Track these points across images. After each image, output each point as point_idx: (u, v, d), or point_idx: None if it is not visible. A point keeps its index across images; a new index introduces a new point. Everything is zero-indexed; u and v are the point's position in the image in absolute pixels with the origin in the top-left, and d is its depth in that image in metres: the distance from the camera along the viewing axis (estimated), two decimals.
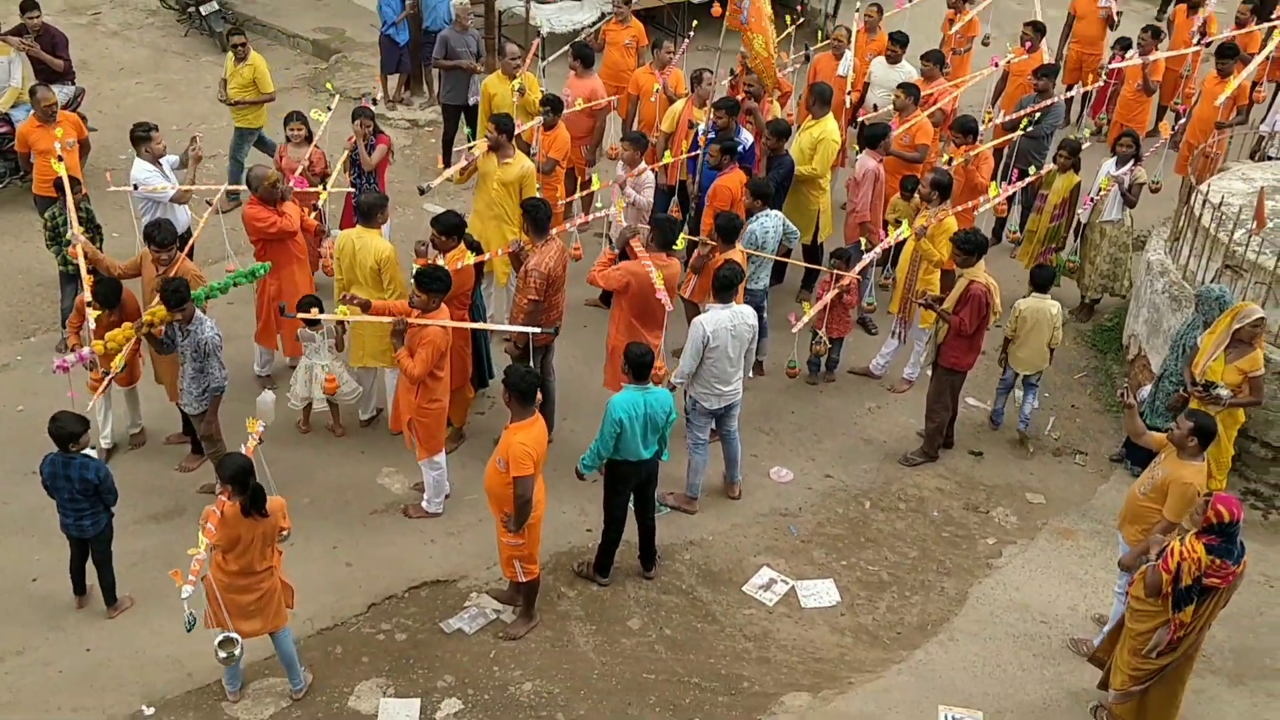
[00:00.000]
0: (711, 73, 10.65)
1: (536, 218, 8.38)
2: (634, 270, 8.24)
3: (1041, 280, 9.27)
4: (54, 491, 7.15)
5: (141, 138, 9.44)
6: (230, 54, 11.34)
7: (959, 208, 9.58)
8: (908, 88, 10.75)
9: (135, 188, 9.35)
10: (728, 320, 8.06)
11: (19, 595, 7.63)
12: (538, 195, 9.62)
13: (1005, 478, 9.26)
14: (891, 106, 10.91)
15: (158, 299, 7.72)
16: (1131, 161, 10.12)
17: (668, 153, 10.16)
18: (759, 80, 10.72)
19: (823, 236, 10.64)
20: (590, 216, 9.51)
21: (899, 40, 11.59)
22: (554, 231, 8.57)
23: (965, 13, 13.07)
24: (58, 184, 8.93)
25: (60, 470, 7.05)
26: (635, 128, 11.28)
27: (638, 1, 13.21)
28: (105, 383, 7.88)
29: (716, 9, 12.27)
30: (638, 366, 7.39)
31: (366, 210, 8.52)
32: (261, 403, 8.43)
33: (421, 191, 9.98)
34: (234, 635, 6.56)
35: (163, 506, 8.36)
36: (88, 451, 7.16)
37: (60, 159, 8.87)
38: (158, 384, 8.63)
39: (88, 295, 7.96)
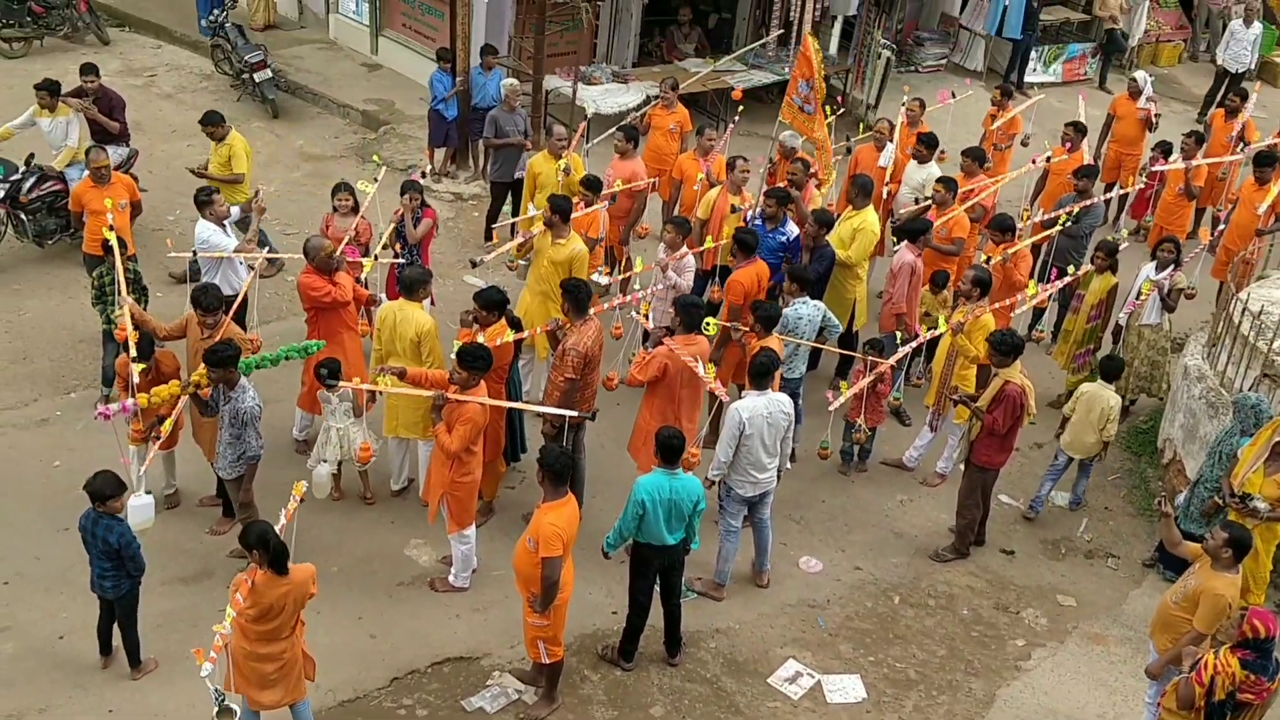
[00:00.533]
0: (745, 159, 10.79)
1: (577, 298, 8.46)
2: (668, 356, 8.29)
3: (1109, 371, 9.33)
4: (87, 547, 7.19)
5: (204, 201, 9.69)
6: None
7: (996, 305, 9.60)
8: (946, 181, 10.83)
9: (194, 253, 9.59)
10: (764, 407, 8.06)
11: (45, 652, 7.64)
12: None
13: (1036, 578, 9.16)
14: (930, 202, 10.98)
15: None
16: (1171, 267, 10.13)
17: (708, 238, 10.26)
18: (802, 168, 10.85)
19: (858, 325, 10.67)
20: (629, 297, 9.58)
21: (927, 142, 11.62)
22: (592, 312, 8.64)
23: (1007, 110, 13.21)
24: (105, 245, 9.11)
25: (89, 526, 7.11)
26: (676, 212, 11.38)
27: (683, 87, 13.43)
28: (152, 447, 7.96)
29: (737, 93, 12.51)
30: (666, 450, 7.38)
31: (409, 284, 8.62)
32: (317, 475, 8.49)
33: (474, 264, 10.11)
34: (233, 706, 6.47)
35: (192, 569, 8.38)
36: (137, 501, 7.33)
37: (111, 227, 9.07)
38: (195, 443, 8.68)
39: (133, 352, 8.07)
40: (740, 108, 12.27)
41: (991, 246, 10.41)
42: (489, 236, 12.19)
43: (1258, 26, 17.51)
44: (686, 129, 12.43)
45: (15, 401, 9.82)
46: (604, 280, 10.00)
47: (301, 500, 6.92)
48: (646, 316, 9.20)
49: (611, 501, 9.07)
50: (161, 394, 7.87)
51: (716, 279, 10.20)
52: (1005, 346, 8.60)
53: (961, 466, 9.24)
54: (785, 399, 8.27)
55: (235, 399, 7.71)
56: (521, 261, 10.20)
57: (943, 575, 9.07)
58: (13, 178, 11.31)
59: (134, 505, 7.62)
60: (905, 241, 10.26)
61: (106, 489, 6.99)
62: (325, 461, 8.72)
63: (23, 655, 7.64)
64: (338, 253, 9.05)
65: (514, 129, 12.35)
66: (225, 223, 9.75)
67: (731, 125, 12.37)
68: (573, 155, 11.28)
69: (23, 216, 11.42)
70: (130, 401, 7.79)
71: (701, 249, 10.17)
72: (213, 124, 11.30)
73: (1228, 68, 17.51)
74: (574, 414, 8.14)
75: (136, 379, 8.00)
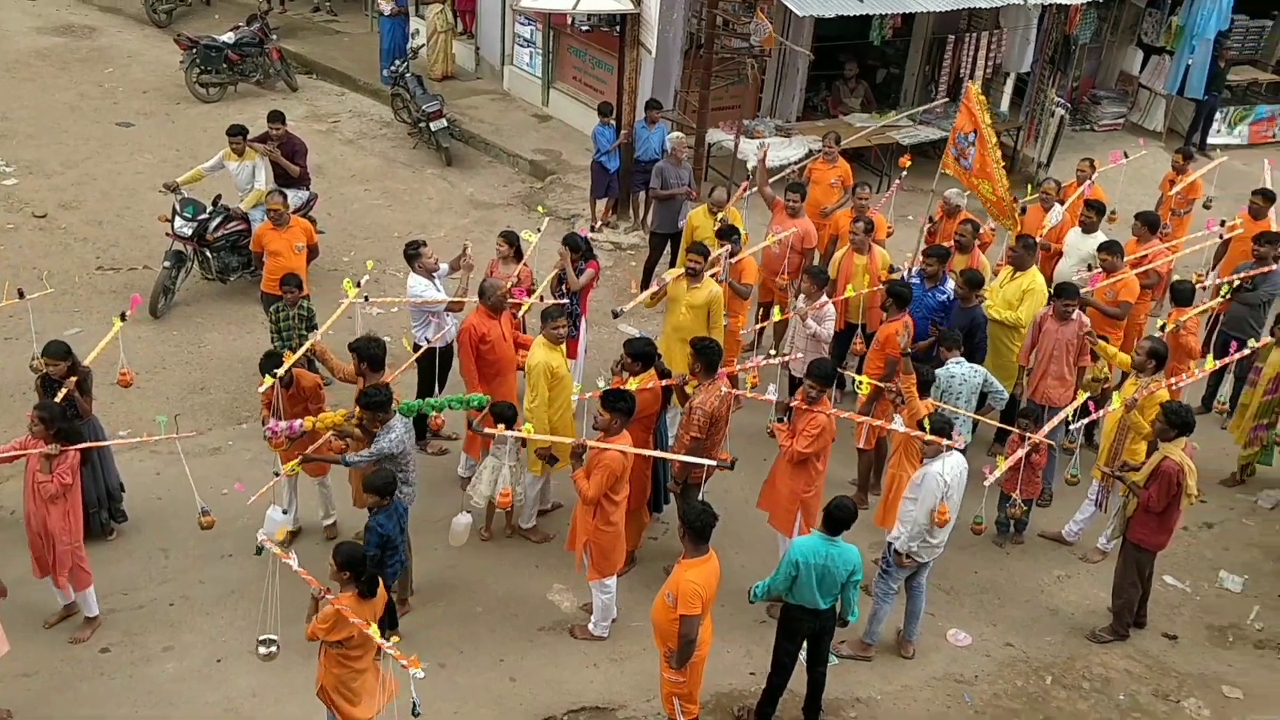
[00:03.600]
0: (870, 218, 10.70)
1: (709, 358, 8.44)
2: (824, 425, 8.21)
3: None
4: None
5: (413, 255, 9.87)
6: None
7: (1172, 381, 9.15)
8: (1110, 246, 10.40)
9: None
10: (956, 467, 7.89)
11: (203, 675, 7.96)
12: (724, 322, 9.85)
13: (1200, 667, 8.67)
14: (1088, 271, 10.62)
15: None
16: None
17: (849, 288, 10.17)
18: (971, 230, 10.66)
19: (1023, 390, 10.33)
20: (762, 361, 9.44)
21: (1096, 208, 11.18)
22: (723, 371, 8.61)
23: (1188, 174, 12.71)
24: (283, 282, 9.53)
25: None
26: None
27: (846, 142, 13.37)
28: (269, 485, 8.23)
29: (905, 160, 12.30)
30: (834, 522, 7.25)
31: (548, 315, 8.83)
32: (456, 524, 8.64)
33: (615, 315, 10.23)
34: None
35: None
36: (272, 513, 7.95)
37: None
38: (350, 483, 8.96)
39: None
40: (908, 162, 12.12)
41: (1171, 315, 9.98)
42: (646, 286, 12.30)
43: None
44: (848, 183, 12.34)
45: (191, 430, 10.32)
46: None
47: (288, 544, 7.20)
48: (753, 387, 8.86)
49: (755, 558, 9.02)
50: (327, 420, 8.17)
51: (859, 334, 10.11)
52: (1176, 419, 8.22)
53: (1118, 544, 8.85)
54: (964, 460, 8.08)
55: (379, 438, 7.93)
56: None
57: (1099, 657, 8.67)
58: (200, 217, 11.97)
59: (269, 516, 8.24)
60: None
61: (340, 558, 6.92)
62: (470, 509, 8.86)
63: (183, 676, 7.98)
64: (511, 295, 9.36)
65: (678, 181, 12.50)
66: (435, 276, 9.97)
67: (898, 182, 12.23)
68: (732, 210, 11.32)
69: (208, 254, 12.08)
70: (298, 423, 8.12)
71: (840, 297, 10.13)
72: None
73: None
74: (713, 463, 8.11)
75: (279, 400, 8.37)
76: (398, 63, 16.63)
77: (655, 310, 10.79)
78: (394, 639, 6.74)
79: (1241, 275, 10.64)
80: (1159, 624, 8.98)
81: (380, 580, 6.86)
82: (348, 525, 9.21)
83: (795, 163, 13.88)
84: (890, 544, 8.14)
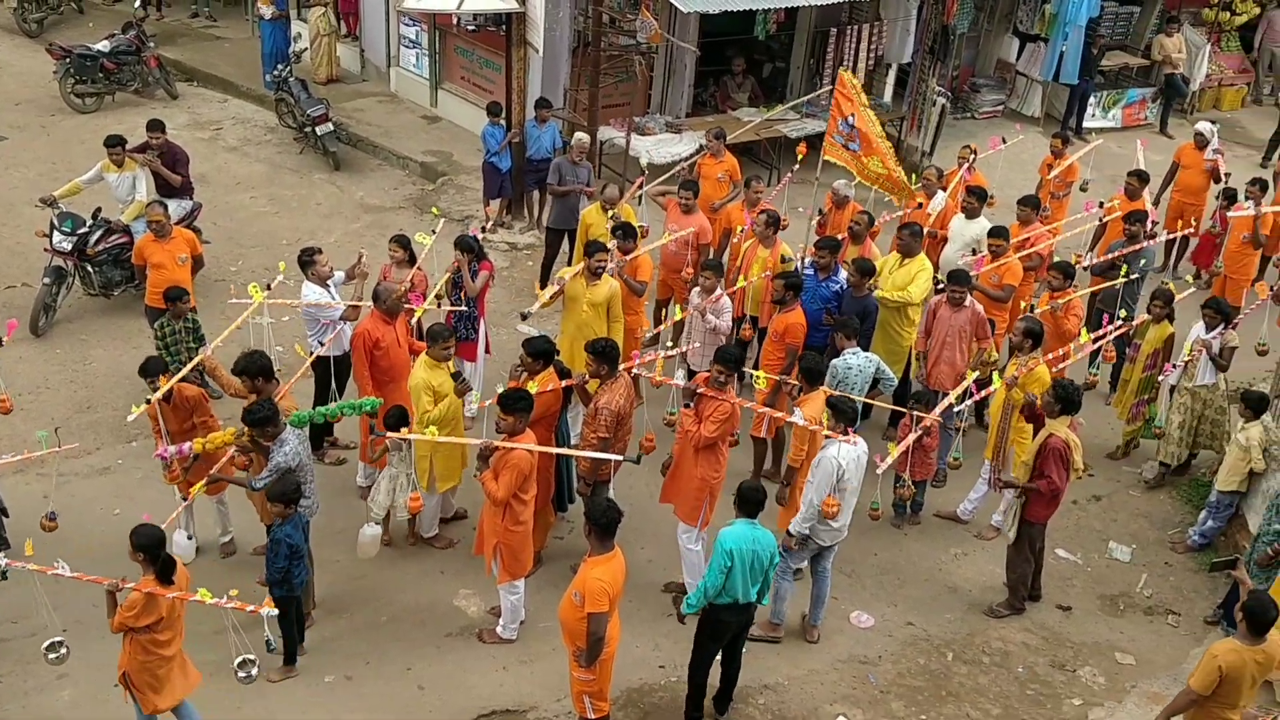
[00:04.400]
0: (759, 179, 10.98)
1: (609, 358, 8.47)
2: (730, 410, 8.28)
3: (1250, 400, 9.38)
4: None
5: (307, 262, 9.70)
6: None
7: (1049, 356, 9.46)
8: (999, 231, 10.70)
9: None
10: (856, 452, 8.06)
11: (100, 700, 7.74)
12: (622, 321, 9.91)
13: (1094, 635, 8.97)
14: (973, 255, 10.90)
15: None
16: (1222, 326, 9.90)
17: (740, 279, 10.30)
18: (866, 220, 10.84)
19: (914, 373, 10.57)
20: (662, 354, 9.47)
21: (977, 194, 11.45)
22: (623, 368, 8.66)
23: (1065, 157, 13.10)
24: (168, 296, 9.30)
25: None
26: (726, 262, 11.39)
27: (733, 136, 13.51)
28: (176, 512, 8.09)
29: (802, 149, 12.50)
30: (750, 502, 7.32)
31: (434, 337, 8.69)
32: (364, 535, 8.55)
33: (524, 318, 10.19)
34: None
35: (241, 618, 8.41)
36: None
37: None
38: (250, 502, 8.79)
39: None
40: (800, 155, 12.27)
41: (1045, 297, 10.30)
42: (546, 285, 12.28)
43: None
44: (736, 178, 12.47)
45: (78, 450, 10.02)
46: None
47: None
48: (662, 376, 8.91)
49: (661, 553, 9.08)
50: (216, 440, 8.01)
51: (747, 320, 10.24)
52: (1064, 397, 8.47)
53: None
54: (864, 445, 8.26)
55: (273, 453, 7.81)
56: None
57: (997, 631, 8.91)
58: (80, 231, 11.62)
59: (175, 541, 8.12)
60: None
61: (143, 542, 6.95)
62: (374, 522, 8.77)
63: (80, 702, 7.78)
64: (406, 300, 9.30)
65: (575, 179, 12.50)
66: (330, 283, 9.79)
67: (789, 174, 12.38)
68: (625, 206, 11.36)
69: (89, 268, 11.73)
70: (187, 446, 7.94)
71: (735, 288, 10.25)
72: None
73: None
74: (619, 458, 8.15)
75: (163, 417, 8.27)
76: (280, 67, 16.32)
77: (556, 308, 10.74)
78: (232, 591, 6.89)
79: (1115, 255, 11.02)
80: (1053, 596, 9.26)
81: (177, 563, 6.86)
82: (244, 541, 9.07)
83: (686, 159, 13.97)
84: (788, 531, 8.28)
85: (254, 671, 7.15)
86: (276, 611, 6.98)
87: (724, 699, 7.93)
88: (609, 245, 10.16)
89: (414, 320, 9.74)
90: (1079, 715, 8.21)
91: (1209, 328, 9.99)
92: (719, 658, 7.77)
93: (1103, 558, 9.75)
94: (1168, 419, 10.29)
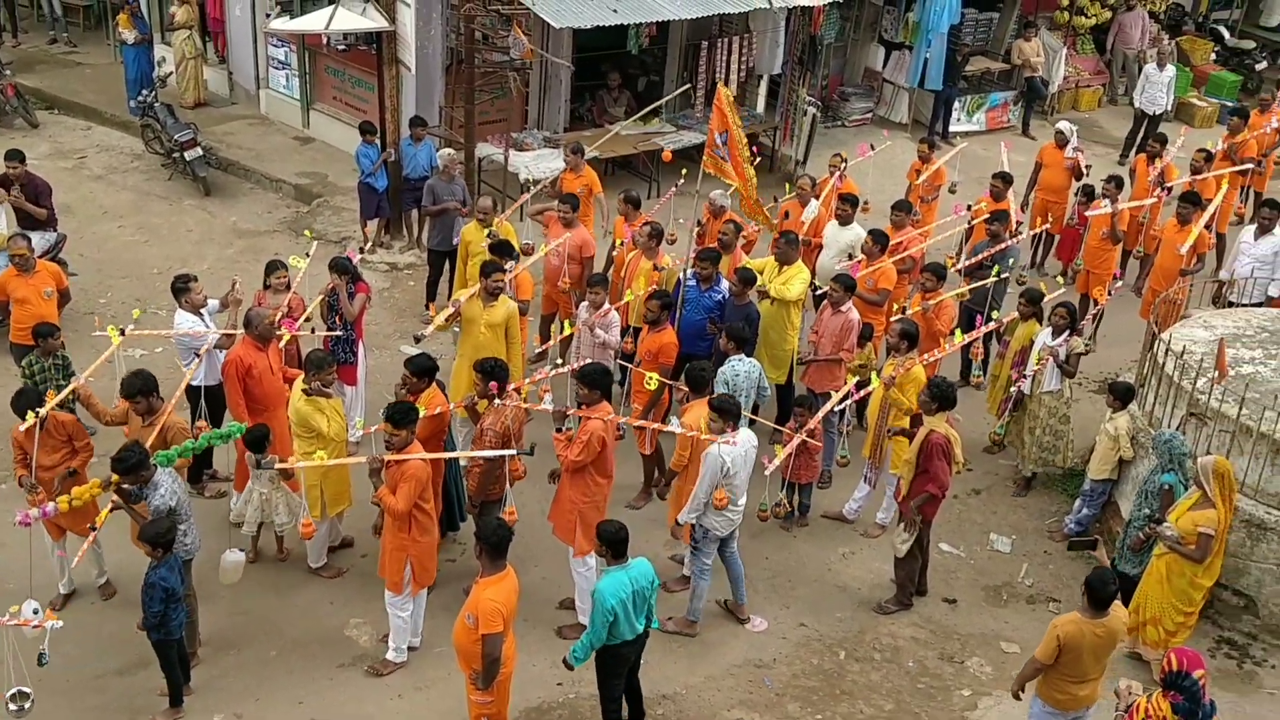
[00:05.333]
0: (658, 224, 10.94)
1: (499, 378, 8.42)
2: (604, 430, 8.22)
3: (1118, 391, 9.67)
4: None
5: (181, 289, 9.47)
6: None
7: (925, 357, 9.72)
8: (876, 235, 10.98)
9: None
10: (742, 446, 8.19)
11: None
12: (519, 342, 9.89)
13: (980, 626, 9.21)
14: (849, 260, 11.16)
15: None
16: (1067, 332, 10.14)
17: (627, 293, 10.37)
18: (733, 229, 10.99)
19: (798, 377, 10.75)
20: (552, 372, 9.49)
21: (849, 201, 11.70)
22: (511, 388, 8.64)
23: (932, 162, 13.46)
24: (36, 332, 9.00)
25: None
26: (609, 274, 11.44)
27: (607, 151, 13.56)
28: (84, 548, 7.82)
29: (667, 155, 12.67)
30: (617, 544, 7.27)
31: (316, 364, 8.53)
32: (226, 561, 8.28)
33: (417, 340, 10.06)
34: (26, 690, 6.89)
35: (126, 660, 8.21)
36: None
37: None
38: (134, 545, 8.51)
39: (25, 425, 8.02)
40: (684, 170, 12.36)
41: (916, 298, 10.56)
42: (429, 305, 12.19)
43: (1171, 69, 18.03)
44: (595, 191, 12.53)
45: None
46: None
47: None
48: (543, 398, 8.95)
49: (553, 570, 9.06)
50: (83, 494, 7.72)
51: (629, 334, 10.36)
52: (939, 393, 8.69)
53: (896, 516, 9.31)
54: (751, 434, 8.40)
55: (149, 497, 7.60)
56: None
57: (887, 628, 9.10)
58: None
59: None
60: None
61: None
62: (241, 549, 8.54)
63: None
64: (279, 325, 9.11)
65: (450, 196, 12.40)
66: (204, 311, 9.56)
67: (675, 187, 12.48)
68: (503, 224, 11.33)
69: None
70: (50, 506, 7.61)
71: (621, 302, 10.34)
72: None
73: (1145, 110, 18.00)
74: (513, 452, 8.14)
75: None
76: (145, 92, 15.92)
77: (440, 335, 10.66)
78: (12, 609, 6.73)
79: (982, 255, 11.36)
80: (939, 589, 9.49)
81: None
82: (120, 581, 8.78)
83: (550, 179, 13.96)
84: (699, 525, 8.39)
85: (27, 705, 6.88)
86: (59, 624, 6.80)
87: (636, 716, 7.93)
88: (505, 266, 10.06)
89: (284, 345, 9.56)
90: (969, 705, 8.42)
91: (1056, 332, 10.19)
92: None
93: (985, 550, 10.02)
94: (1025, 427, 10.52)
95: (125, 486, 7.62)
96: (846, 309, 10.06)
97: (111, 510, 7.79)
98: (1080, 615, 7.11)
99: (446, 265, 12.58)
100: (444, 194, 12.38)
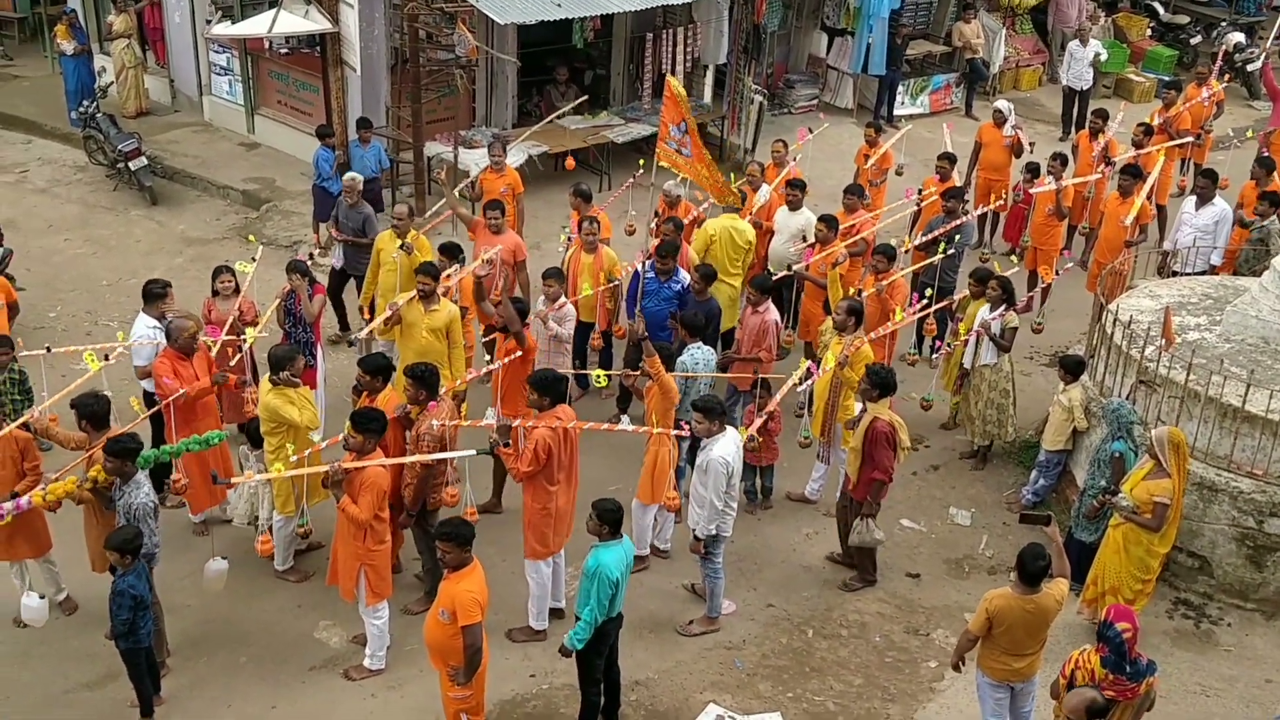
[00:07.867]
0: (595, 221, 10.96)
1: (429, 383, 8.36)
2: (551, 438, 8.07)
3: (1068, 365, 9.84)
4: None
5: (159, 294, 9.38)
6: None
7: (873, 335, 9.85)
8: (828, 220, 11.10)
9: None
10: (733, 445, 8.27)
11: None
12: (462, 346, 9.86)
13: (943, 599, 9.35)
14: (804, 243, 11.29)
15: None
16: (1003, 306, 10.27)
17: (585, 287, 10.41)
18: (673, 228, 11.10)
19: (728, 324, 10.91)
20: (483, 371, 9.50)
21: (798, 186, 11.78)
22: (444, 391, 8.63)
23: (879, 146, 13.60)
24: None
25: None
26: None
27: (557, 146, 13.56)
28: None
29: (570, 163, 12.72)
30: (614, 521, 7.30)
31: (280, 360, 8.50)
32: (209, 570, 8.22)
33: (351, 344, 10.02)
34: None
35: (95, 674, 8.16)
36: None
37: None
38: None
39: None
40: (641, 162, 12.36)
41: (869, 279, 10.69)
42: (361, 310, 11.90)
43: (1095, 45, 18.24)
44: (518, 190, 12.53)
45: None
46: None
47: None
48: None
49: (520, 563, 9.04)
50: (58, 490, 7.68)
51: (595, 330, 10.47)
52: (878, 379, 8.79)
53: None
54: (735, 434, 8.48)
55: (128, 493, 7.56)
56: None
57: (853, 604, 9.21)
58: None
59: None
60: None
61: None
62: (223, 556, 8.49)
63: None
64: (204, 334, 9.07)
65: (352, 224, 11.73)
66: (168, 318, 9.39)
67: (631, 179, 12.51)
68: (421, 239, 10.99)
69: None
70: (24, 500, 7.59)
71: (576, 297, 10.37)
72: None
73: (1073, 86, 18.29)
74: (471, 452, 8.07)
75: None
76: (86, 103, 15.71)
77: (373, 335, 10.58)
78: None
79: (938, 232, 11.51)
80: (902, 564, 9.63)
81: None
82: (81, 596, 8.68)
83: (518, 168, 13.96)
84: (695, 535, 8.45)
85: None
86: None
87: (612, 708, 7.97)
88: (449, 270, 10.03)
89: (241, 349, 9.49)
90: (935, 676, 8.55)
91: (991, 307, 10.31)
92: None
93: (945, 524, 10.16)
94: (970, 401, 10.66)
95: (101, 486, 7.58)
96: (764, 309, 10.18)
97: (78, 502, 7.75)
98: (1011, 590, 7.15)
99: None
100: (345, 220, 11.80)
